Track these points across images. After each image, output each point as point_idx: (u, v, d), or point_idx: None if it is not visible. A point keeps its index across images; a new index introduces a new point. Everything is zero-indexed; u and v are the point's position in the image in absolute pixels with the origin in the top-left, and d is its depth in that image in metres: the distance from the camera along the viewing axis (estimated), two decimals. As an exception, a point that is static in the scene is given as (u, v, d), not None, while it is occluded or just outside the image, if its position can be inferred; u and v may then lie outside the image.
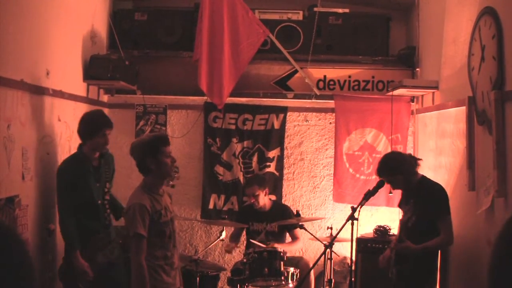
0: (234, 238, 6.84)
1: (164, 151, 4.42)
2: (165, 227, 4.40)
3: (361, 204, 5.05)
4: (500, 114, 4.49)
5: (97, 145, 5.28)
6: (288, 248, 6.42)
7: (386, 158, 5.46)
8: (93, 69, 6.53)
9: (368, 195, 5.07)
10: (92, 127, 5.27)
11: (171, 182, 5.78)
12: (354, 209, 5.02)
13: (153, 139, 4.48)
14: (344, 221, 5.12)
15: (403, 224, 5.25)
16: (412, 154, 5.42)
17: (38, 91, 5.20)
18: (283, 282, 5.73)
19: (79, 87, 6.43)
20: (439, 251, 5.39)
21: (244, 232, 6.86)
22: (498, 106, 4.49)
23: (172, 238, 4.48)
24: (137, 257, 4.25)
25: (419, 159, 5.33)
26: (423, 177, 5.28)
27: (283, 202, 7.35)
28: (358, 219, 5.02)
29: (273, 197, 7.24)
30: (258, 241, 6.30)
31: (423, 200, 5.08)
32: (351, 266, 5.53)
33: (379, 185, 5.12)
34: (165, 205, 4.48)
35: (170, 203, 4.61)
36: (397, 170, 5.18)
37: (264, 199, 6.59)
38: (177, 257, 4.57)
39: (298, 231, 6.57)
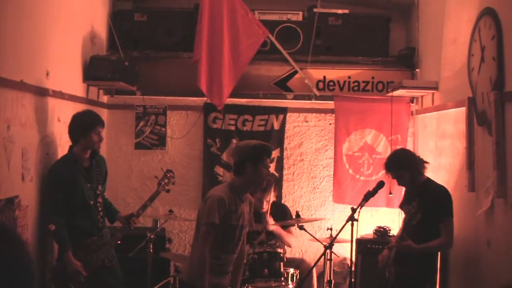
0: None
1: (265, 161, 4.50)
2: (231, 230, 4.43)
3: (361, 205, 5.03)
4: (500, 115, 4.49)
5: (91, 143, 5.27)
6: (284, 237, 6.42)
7: (395, 153, 5.53)
8: (93, 70, 6.52)
9: (368, 196, 5.06)
10: (85, 125, 5.25)
11: (166, 187, 5.77)
12: (354, 210, 5.00)
13: (260, 146, 4.54)
14: (344, 221, 5.11)
15: (407, 222, 5.24)
16: (420, 157, 5.40)
17: (38, 91, 5.19)
18: (283, 283, 5.71)
19: (78, 88, 6.42)
20: (439, 252, 5.39)
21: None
22: (498, 107, 4.50)
23: (233, 243, 4.51)
24: (204, 245, 4.31)
25: (426, 162, 5.32)
26: (428, 179, 5.28)
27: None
28: (358, 220, 5.01)
29: (273, 198, 7.21)
30: (258, 242, 6.29)
31: (427, 201, 5.07)
32: (351, 267, 5.52)
33: (379, 186, 5.11)
34: (241, 211, 4.51)
35: (248, 212, 4.63)
36: (405, 166, 5.20)
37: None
38: (231, 264, 4.59)
39: (292, 229, 6.55)
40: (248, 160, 4.42)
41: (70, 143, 5.42)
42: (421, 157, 5.44)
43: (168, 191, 5.82)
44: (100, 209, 5.37)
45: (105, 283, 5.27)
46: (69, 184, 5.15)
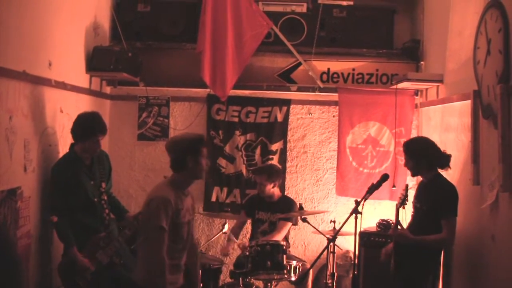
0: (235, 232, 6.81)
1: (204, 152, 4.45)
2: (181, 228, 4.39)
3: (365, 197, 5.01)
4: (505, 108, 4.46)
5: (88, 149, 5.23)
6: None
7: (415, 139, 5.75)
8: (96, 61, 6.49)
9: (372, 189, 5.04)
10: (86, 131, 5.20)
11: None
12: (358, 203, 4.98)
13: (196, 138, 4.48)
14: (347, 214, 5.09)
15: (412, 220, 5.26)
16: (446, 152, 5.31)
17: (40, 82, 5.16)
18: (286, 275, 5.72)
19: (81, 78, 6.39)
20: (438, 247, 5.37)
21: (249, 222, 6.88)
22: (504, 100, 4.46)
23: (184, 240, 4.47)
24: (159, 250, 4.22)
25: (448, 161, 5.23)
26: (438, 174, 5.23)
27: (285, 195, 7.32)
28: (362, 212, 4.98)
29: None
30: (261, 231, 6.32)
31: (433, 197, 5.05)
32: (354, 260, 5.49)
33: (383, 179, 5.10)
34: (187, 206, 4.48)
35: (191, 205, 4.61)
36: (414, 154, 5.22)
37: (271, 190, 6.55)
38: (184, 259, 4.54)
39: (281, 223, 6.49)
40: (188, 155, 4.37)
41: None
42: (446, 152, 5.33)
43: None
44: (105, 206, 5.35)
45: (113, 281, 5.21)
46: (72, 184, 5.12)
